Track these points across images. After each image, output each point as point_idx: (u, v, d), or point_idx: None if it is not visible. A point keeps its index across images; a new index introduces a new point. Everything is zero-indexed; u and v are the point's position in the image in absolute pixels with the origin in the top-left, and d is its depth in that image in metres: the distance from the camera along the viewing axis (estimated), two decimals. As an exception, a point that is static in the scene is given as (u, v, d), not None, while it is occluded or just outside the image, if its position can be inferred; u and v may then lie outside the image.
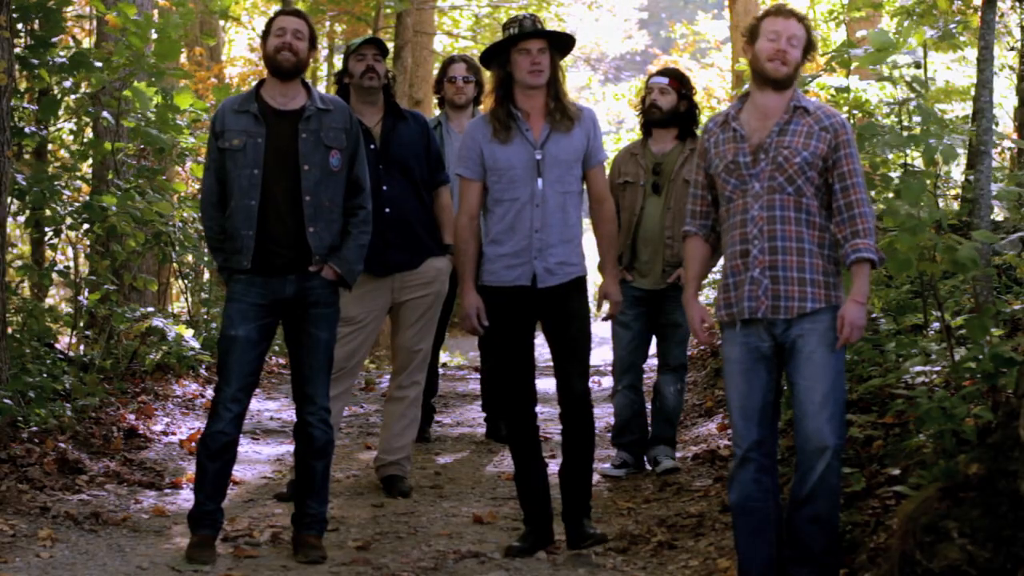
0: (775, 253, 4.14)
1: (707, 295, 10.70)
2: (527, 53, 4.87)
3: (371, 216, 5.10)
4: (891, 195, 5.29)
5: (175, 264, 9.65)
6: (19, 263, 8.32)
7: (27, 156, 8.96)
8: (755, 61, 4.24)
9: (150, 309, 8.67)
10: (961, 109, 9.50)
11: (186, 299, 10.49)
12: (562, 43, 5.01)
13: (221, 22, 16.08)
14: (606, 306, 5.18)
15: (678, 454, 6.67)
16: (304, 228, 4.88)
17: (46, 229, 8.55)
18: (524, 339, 5.02)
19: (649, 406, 6.68)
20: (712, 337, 4.49)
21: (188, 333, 8.53)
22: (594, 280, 5.12)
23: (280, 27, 4.97)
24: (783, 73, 4.18)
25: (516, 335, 5.00)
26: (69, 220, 8.00)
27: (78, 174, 8.72)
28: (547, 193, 4.91)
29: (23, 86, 7.80)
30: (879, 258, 4.15)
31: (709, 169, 4.32)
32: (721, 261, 4.46)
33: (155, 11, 9.49)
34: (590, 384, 5.05)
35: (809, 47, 4.24)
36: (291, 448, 5.16)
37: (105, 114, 8.21)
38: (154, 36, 7.87)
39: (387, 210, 5.81)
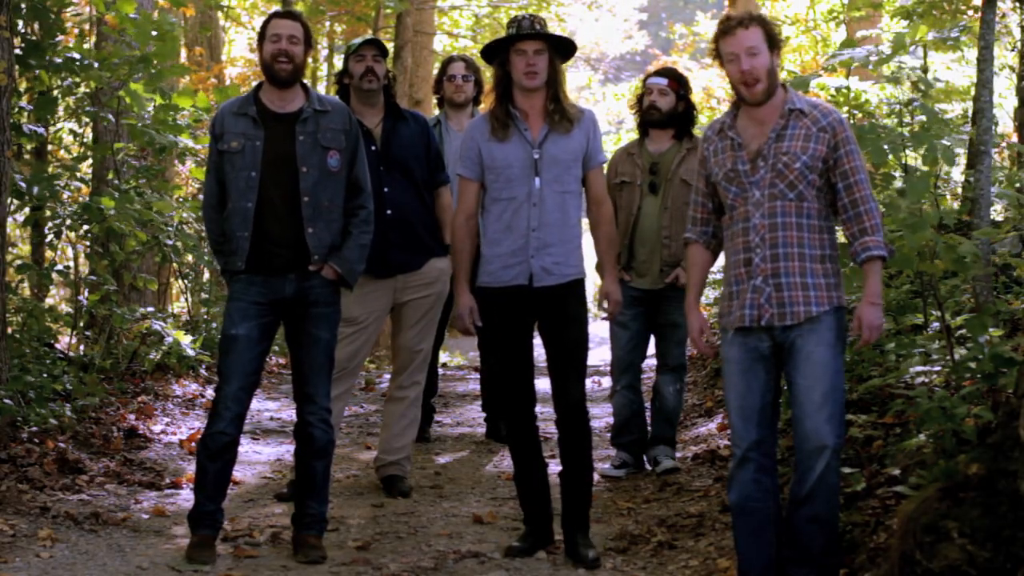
0: (777, 260, 4.14)
1: (707, 295, 10.72)
2: (523, 54, 4.86)
3: (372, 216, 5.10)
4: (893, 195, 5.29)
5: (175, 264, 9.65)
6: (19, 263, 8.31)
7: (27, 156, 8.96)
8: (731, 84, 4.24)
9: (150, 309, 8.67)
10: (961, 109, 9.50)
11: (186, 299, 10.49)
12: (562, 46, 5.00)
13: (221, 21, 16.07)
14: (606, 306, 5.17)
15: (678, 454, 6.67)
16: (303, 228, 4.89)
17: (46, 230, 8.55)
18: (522, 340, 5.02)
19: (648, 406, 6.68)
20: (710, 348, 4.49)
21: (186, 340, 8.50)
22: (593, 281, 5.12)
23: (275, 33, 4.96)
24: (758, 92, 4.16)
25: (514, 336, 5.00)
26: (69, 220, 8.00)
27: (78, 174, 8.71)
28: (545, 192, 4.91)
29: (23, 86, 7.80)
30: (889, 252, 4.15)
31: (710, 177, 4.32)
32: (720, 261, 4.46)
33: (155, 11, 9.48)
34: (590, 384, 5.05)
35: (773, 42, 4.21)
36: (291, 448, 5.17)
37: (105, 114, 8.21)
38: (153, 35, 7.87)
39: (388, 211, 5.82)
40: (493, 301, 4.97)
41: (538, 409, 5.11)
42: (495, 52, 4.96)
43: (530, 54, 4.86)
